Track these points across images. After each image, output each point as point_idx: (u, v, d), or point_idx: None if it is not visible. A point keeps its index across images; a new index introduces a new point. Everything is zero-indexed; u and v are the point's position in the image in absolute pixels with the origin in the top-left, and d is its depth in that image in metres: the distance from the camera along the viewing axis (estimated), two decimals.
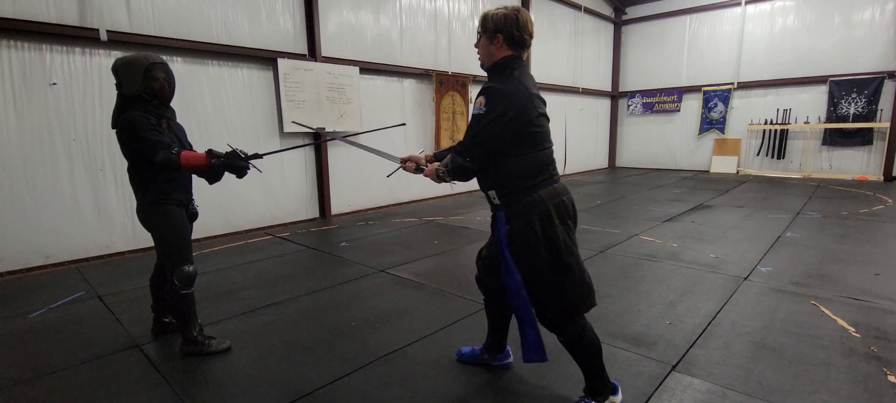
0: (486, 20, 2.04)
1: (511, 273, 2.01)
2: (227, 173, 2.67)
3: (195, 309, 2.85)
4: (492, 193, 2.07)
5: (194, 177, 2.82)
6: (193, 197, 2.97)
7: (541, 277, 1.98)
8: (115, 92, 2.68)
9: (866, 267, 4.23)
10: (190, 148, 2.85)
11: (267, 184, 6.39)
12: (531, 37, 2.05)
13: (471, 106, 9.04)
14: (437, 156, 2.40)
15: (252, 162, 2.66)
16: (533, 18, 8.65)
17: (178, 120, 2.94)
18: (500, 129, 1.92)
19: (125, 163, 2.76)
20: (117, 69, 2.61)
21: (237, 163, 2.58)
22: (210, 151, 2.57)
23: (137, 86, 2.58)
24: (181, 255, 2.72)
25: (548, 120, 2.08)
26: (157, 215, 2.70)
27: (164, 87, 2.67)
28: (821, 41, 10.58)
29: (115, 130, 2.64)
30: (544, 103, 2.07)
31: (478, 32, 2.11)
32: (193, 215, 2.94)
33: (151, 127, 2.57)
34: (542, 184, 2.00)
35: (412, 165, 2.44)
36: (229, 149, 2.62)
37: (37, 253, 4.64)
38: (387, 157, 2.62)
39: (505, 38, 2.01)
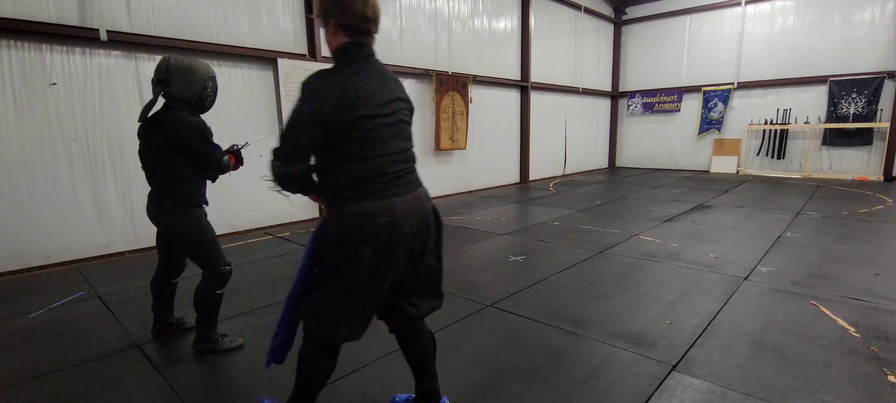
0: (315, 3, 1.85)
1: (301, 269, 1.82)
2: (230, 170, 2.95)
3: (219, 308, 2.87)
4: (322, 201, 1.88)
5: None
6: None
7: (314, 283, 1.83)
8: (157, 88, 2.67)
9: (866, 267, 4.23)
10: None
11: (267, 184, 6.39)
12: (368, 20, 1.74)
13: (471, 106, 9.06)
14: None
15: (242, 148, 2.98)
16: (533, 18, 8.60)
17: None
18: (309, 127, 1.65)
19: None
20: (172, 67, 2.63)
21: (240, 154, 2.95)
22: (233, 147, 2.96)
23: (190, 92, 2.67)
24: (219, 256, 2.77)
25: (391, 122, 1.78)
26: (193, 219, 2.73)
27: (212, 100, 2.81)
28: (821, 41, 10.58)
29: (160, 128, 2.62)
30: (403, 103, 1.85)
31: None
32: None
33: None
34: (360, 197, 1.70)
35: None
36: (238, 144, 3.02)
37: (37, 253, 4.64)
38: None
39: (335, 23, 1.75)
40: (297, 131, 1.67)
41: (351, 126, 1.67)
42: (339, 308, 1.76)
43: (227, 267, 2.80)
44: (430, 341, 2.09)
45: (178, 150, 2.62)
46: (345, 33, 1.76)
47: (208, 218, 2.84)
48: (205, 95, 2.74)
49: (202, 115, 2.77)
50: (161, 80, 2.63)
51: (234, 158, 2.91)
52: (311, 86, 1.67)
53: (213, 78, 2.79)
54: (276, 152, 1.71)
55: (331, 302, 1.76)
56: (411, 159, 1.90)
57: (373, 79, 1.76)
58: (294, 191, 1.82)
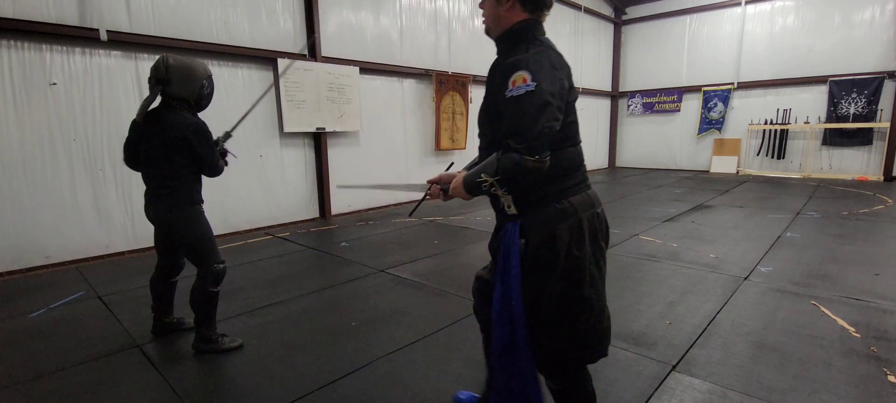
0: None
1: (508, 298, 1.55)
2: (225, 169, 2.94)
3: (216, 307, 2.87)
4: (506, 200, 1.57)
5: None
6: None
7: (548, 307, 1.55)
8: (156, 87, 2.67)
9: (866, 267, 4.23)
10: None
11: (267, 184, 6.39)
12: None
13: (471, 106, 9.04)
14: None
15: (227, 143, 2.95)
16: None
17: None
18: (557, 108, 1.43)
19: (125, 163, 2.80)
20: (171, 67, 2.63)
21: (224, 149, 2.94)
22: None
23: (188, 92, 2.70)
24: (215, 253, 2.80)
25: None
26: (193, 216, 2.77)
27: (209, 99, 2.84)
28: (821, 41, 10.58)
29: (162, 127, 2.63)
30: None
31: None
32: None
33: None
34: (574, 188, 1.55)
35: (436, 189, 1.80)
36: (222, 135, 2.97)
37: (37, 253, 4.64)
38: (408, 188, 2.07)
39: None
40: (546, 114, 1.39)
41: (570, 107, 1.52)
42: (584, 319, 1.56)
43: (222, 265, 2.81)
44: None
45: (179, 150, 2.64)
46: (525, 8, 1.55)
47: (207, 217, 2.86)
48: (203, 94, 2.77)
49: (200, 114, 2.80)
50: (160, 80, 2.64)
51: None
52: (542, 62, 1.43)
53: (210, 77, 2.81)
54: (529, 143, 1.38)
55: (574, 322, 1.55)
56: None
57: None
58: (516, 189, 1.51)
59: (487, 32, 1.68)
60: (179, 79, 2.65)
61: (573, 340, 1.58)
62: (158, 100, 2.69)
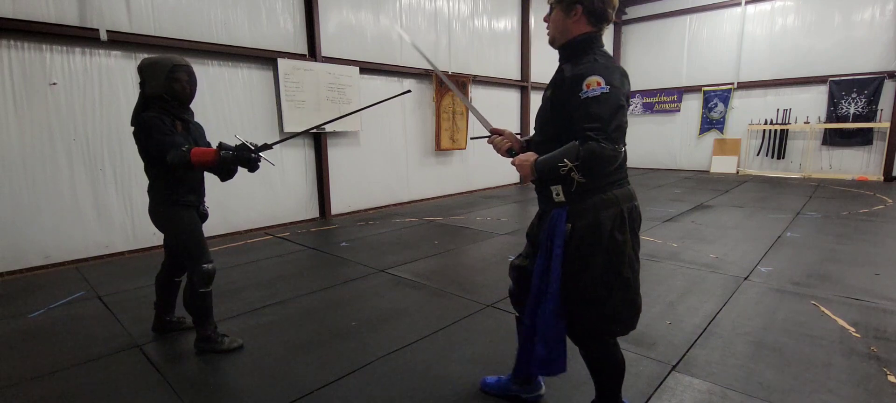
0: None
1: (547, 272, 1.77)
2: (239, 169, 2.67)
3: (212, 306, 2.86)
4: (556, 188, 1.76)
5: (206, 176, 2.89)
6: (205, 198, 2.98)
7: (590, 285, 1.75)
8: (139, 91, 2.70)
9: (866, 267, 4.23)
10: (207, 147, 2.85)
11: (267, 184, 6.39)
12: (614, 10, 1.77)
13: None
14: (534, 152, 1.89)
15: (263, 154, 2.62)
16: (533, 18, 8.62)
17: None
18: (624, 106, 1.66)
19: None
20: (142, 69, 2.65)
21: (247, 156, 2.53)
22: (220, 145, 2.55)
23: (159, 87, 2.63)
24: (199, 254, 2.75)
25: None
26: (167, 216, 2.73)
27: (184, 89, 2.71)
28: (821, 41, 10.58)
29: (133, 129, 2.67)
30: None
31: (550, 3, 1.82)
32: (203, 216, 2.94)
33: (165, 129, 2.59)
34: (617, 182, 1.77)
35: (505, 142, 1.98)
36: (238, 142, 2.59)
37: (37, 253, 4.64)
38: (481, 121, 2.24)
39: (584, 8, 1.72)
40: (621, 113, 1.62)
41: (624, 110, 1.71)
42: (621, 296, 1.78)
43: (209, 266, 2.76)
44: None
45: (140, 148, 2.65)
46: (590, 21, 1.74)
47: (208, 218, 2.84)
48: (176, 87, 2.65)
49: (201, 111, 2.73)
50: (140, 83, 2.68)
51: (214, 153, 2.52)
52: (611, 69, 1.65)
53: (179, 66, 2.66)
54: (607, 135, 1.58)
55: (611, 298, 1.76)
56: None
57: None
58: (590, 177, 1.68)
59: (552, 42, 1.86)
60: (149, 77, 2.63)
61: (609, 315, 1.79)
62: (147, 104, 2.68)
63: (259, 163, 2.61)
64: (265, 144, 2.66)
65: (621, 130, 1.64)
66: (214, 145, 2.65)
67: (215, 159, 2.50)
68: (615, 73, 1.65)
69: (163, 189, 2.70)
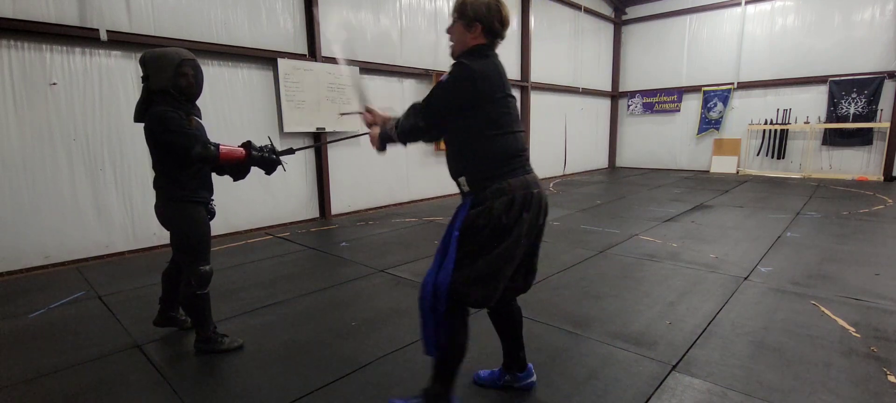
0: (464, 7, 1.98)
1: (444, 249, 1.96)
2: (252, 169, 2.72)
3: (210, 308, 2.85)
4: (462, 180, 2.01)
5: (213, 175, 2.88)
6: (212, 196, 2.96)
7: (470, 250, 1.90)
8: (142, 85, 2.66)
9: (866, 267, 4.23)
10: None
11: (267, 184, 6.39)
12: (506, 29, 2.02)
13: None
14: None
15: (282, 157, 2.65)
16: (533, 18, 8.62)
17: None
18: (460, 94, 1.89)
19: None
20: (147, 61, 2.60)
21: (272, 159, 2.59)
22: (249, 143, 2.58)
23: (166, 81, 2.58)
24: (200, 255, 2.73)
25: (515, 101, 2.07)
26: (181, 213, 2.69)
27: (192, 84, 2.67)
28: (821, 41, 10.58)
29: (142, 124, 2.63)
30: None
31: (453, 17, 2.04)
32: (211, 213, 2.94)
33: (184, 123, 2.57)
34: (513, 172, 1.92)
35: (369, 118, 2.38)
36: (268, 143, 2.65)
37: (37, 253, 4.64)
38: (359, 97, 2.58)
39: (484, 28, 1.97)
40: (448, 96, 1.94)
41: (500, 101, 1.92)
42: (494, 272, 1.89)
43: (206, 268, 2.74)
44: (520, 313, 2.29)
45: (153, 143, 2.61)
46: (487, 36, 2.00)
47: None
48: (183, 82, 2.62)
49: (204, 108, 2.72)
50: (142, 77, 2.64)
51: (245, 152, 2.69)
52: (466, 66, 1.89)
53: (187, 61, 2.64)
54: (419, 109, 2.06)
55: (488, 267, 1.88)
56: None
57: (503, 68, 2.02)
58: (411, 141, 2.13)
59: (452, 54, 2.10)
60: (154, 71, 2.59)
61: (471, 274, 1.88)
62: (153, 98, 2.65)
63: (277, 166, 2.72)
64: (290, 149, 2.74)
65: (431, 108, 1.98)
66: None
67: (246, 158, 2.56)
68: (466, 70, 1.89)
69: (175, 184, 2.65)
